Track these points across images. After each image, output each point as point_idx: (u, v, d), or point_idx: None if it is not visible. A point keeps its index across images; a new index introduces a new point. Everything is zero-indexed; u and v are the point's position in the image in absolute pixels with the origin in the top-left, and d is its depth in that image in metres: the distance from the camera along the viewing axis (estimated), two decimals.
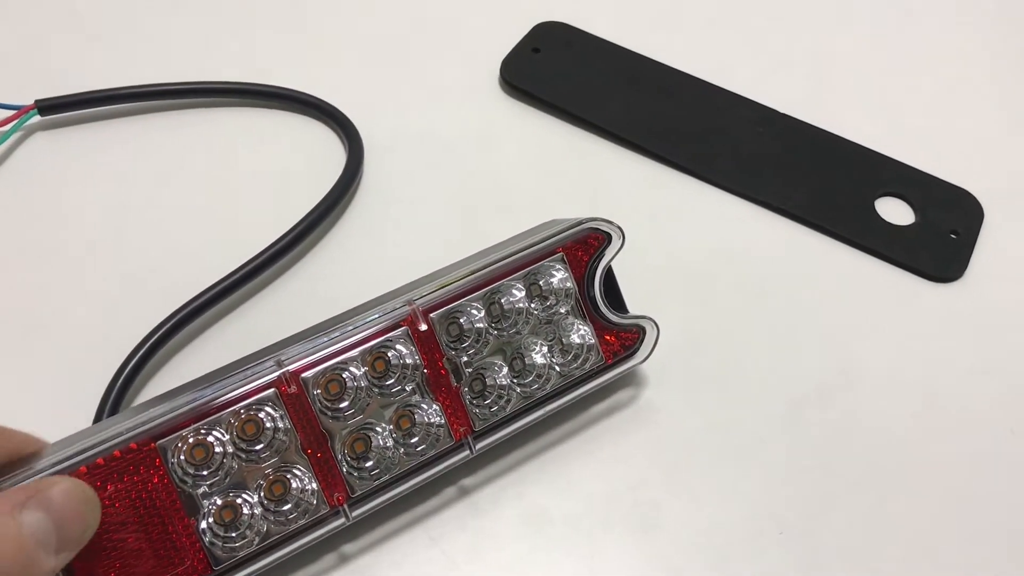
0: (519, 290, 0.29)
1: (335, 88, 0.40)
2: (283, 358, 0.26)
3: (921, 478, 0.32)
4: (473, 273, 0.29)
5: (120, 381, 0.30)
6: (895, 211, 0.39)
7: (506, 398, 0.29)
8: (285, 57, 0.42)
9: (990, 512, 0.31)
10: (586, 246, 0.30)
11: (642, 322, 0.31)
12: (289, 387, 0.26)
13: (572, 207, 0.36)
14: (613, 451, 0.31)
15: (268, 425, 0.26)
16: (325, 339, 0.27)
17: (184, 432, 0.25)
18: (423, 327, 0.28)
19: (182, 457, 0.25)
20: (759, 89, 0.43)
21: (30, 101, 0.37)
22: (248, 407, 0.26)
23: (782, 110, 0.42)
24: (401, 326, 0.27)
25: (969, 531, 0.30)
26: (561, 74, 0.43)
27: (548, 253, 0.30)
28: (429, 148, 0.39)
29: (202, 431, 0.25)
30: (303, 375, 0.26)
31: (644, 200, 0.39)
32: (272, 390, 0.26)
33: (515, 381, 0.29)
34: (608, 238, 0.31)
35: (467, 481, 0.30)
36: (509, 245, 0.30)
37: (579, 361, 0.30)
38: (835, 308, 0.36)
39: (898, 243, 0.38)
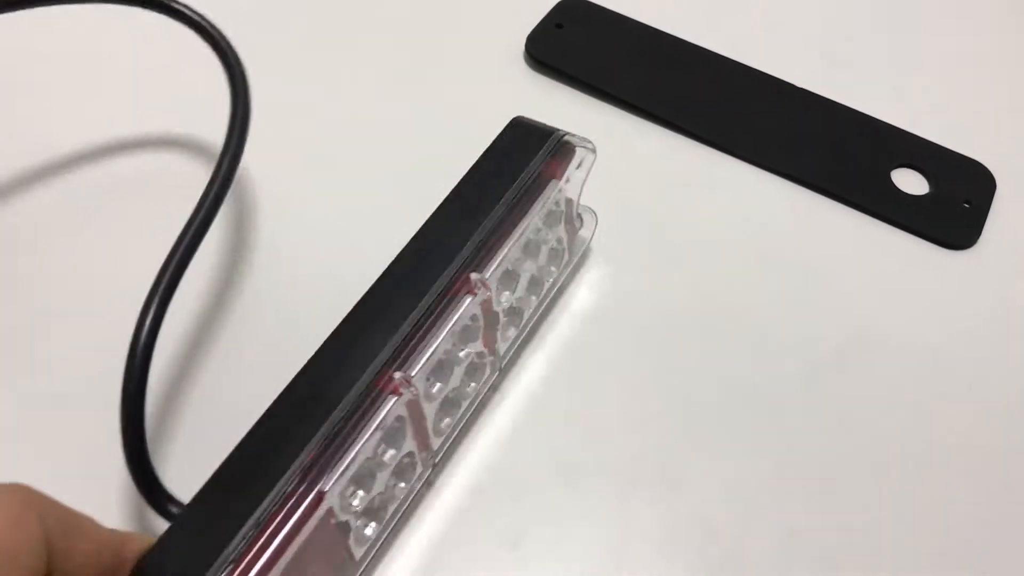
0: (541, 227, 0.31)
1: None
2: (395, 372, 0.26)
3: (931, 431, 0.33)
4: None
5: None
6: (910, 182, 0.40)
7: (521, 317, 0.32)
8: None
9: (998, 467, 0.32)
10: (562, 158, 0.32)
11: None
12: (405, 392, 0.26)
13: (591, 174, 0.37)
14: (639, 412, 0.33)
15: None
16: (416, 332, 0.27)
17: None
18: (486, 294, 0.29)
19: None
20: (777, 64, 0.43)
21: None
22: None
23: (800, 84, 0.43)
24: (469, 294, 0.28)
25: (976, 484, 0.32)
26: (583, 49, 0.43)
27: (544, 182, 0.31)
28: (463, 123, 0.39)
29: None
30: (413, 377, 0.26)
31: (663, 169, 0.40)
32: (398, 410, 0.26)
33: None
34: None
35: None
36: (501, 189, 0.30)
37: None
38: (852, 273, 0.37)
39: (913, 212, 0.39)
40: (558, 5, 0.45)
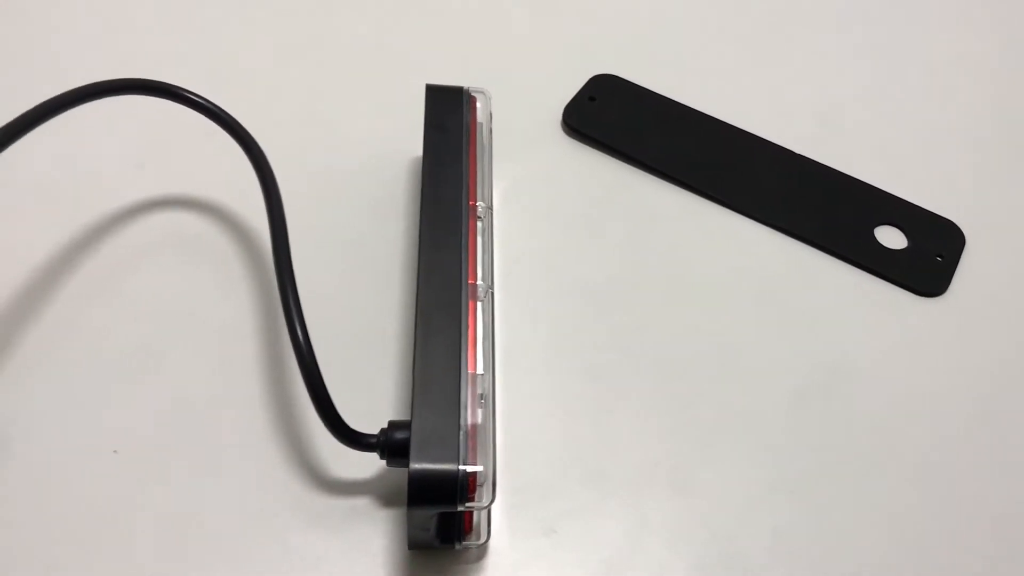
0: None
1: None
2: None
3: (900, 457, 0.38)
4: None
5: None
6: (890, 237, 0.46)
7: None
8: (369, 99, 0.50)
9: (962, 490, 0.38)
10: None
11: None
12: None
13: (612, 229, 0.44)
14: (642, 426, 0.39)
15: None
16: None
17: None
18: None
19: None
20: (778, 133, 0.49)
21: None
22: None
23: (798, 151, 0.49)
24: None
25: (937, 504, 0.37)
26: (612, 119, 0.49)
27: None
28: (510, 180, 0.46)
29: None
30: None
31: (677, 223, 0.46)
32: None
33: None
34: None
35: None
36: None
37: None
38: (837, 314, 0.43)
39: (892, 264, 0.45)
40: (591, 80, 0.51)
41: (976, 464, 0.39)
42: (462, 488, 0.31)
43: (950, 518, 0.37)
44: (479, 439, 0.32)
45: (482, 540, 0.34)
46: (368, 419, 0.34)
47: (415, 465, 0.31)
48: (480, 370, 0.34)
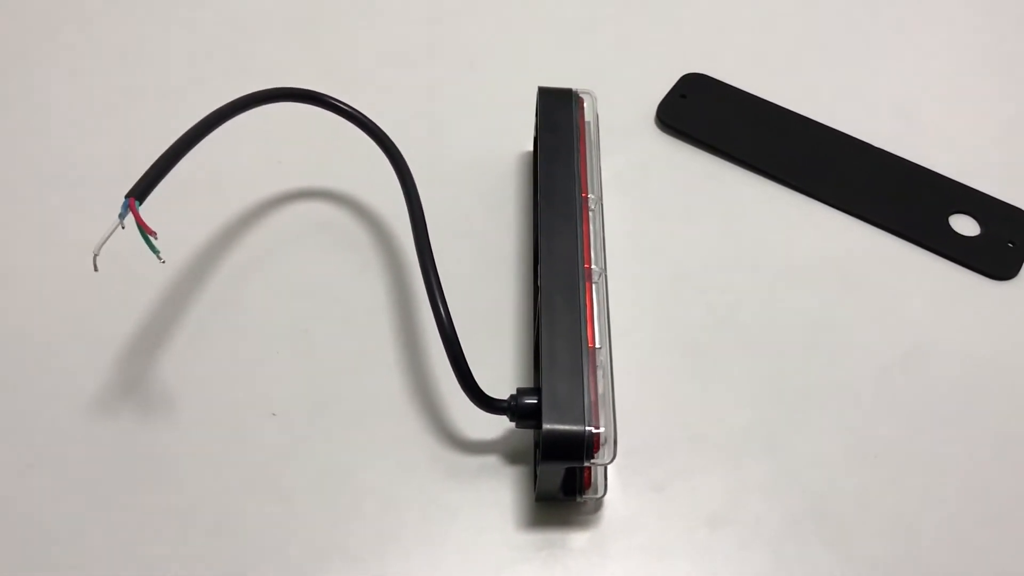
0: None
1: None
2: None
3: (976, 426, 0.42)
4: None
5: None
6: (965, 225, 0.49)
7: None
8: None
9: None
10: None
11: None
12: None
13: (705, 217, 0.49)
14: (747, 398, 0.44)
15: None
16: None
17: None
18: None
19: None
20: (858, 127, 0.53)
21: None
22: None
23: (877, 144, 0.52)
24: None
25: (1010, 468, 0.41)
26: (702, 115, 0.53)
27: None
28: (612, 171, 0.49)
29: None
30: None
31: (763, 211, 0.49)
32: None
33: None
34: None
35: None
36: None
37: None
38: (916, 296, 0.46)
39: (966, 249, 0.48)
40: (682, 79, 0.55)
41: None
42: (588, 446, 0.35)
43: (1020, 481, 0.41)
44: (601, 404, 0.36)
45: (600, 494, 0.39)
46: (488, 387, 0.38)
47: (547, 426, 0.35)
48: (598, 344, 0.38)
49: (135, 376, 0.42)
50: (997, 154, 0.53)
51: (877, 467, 0.41)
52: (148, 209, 0.35)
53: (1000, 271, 0.47)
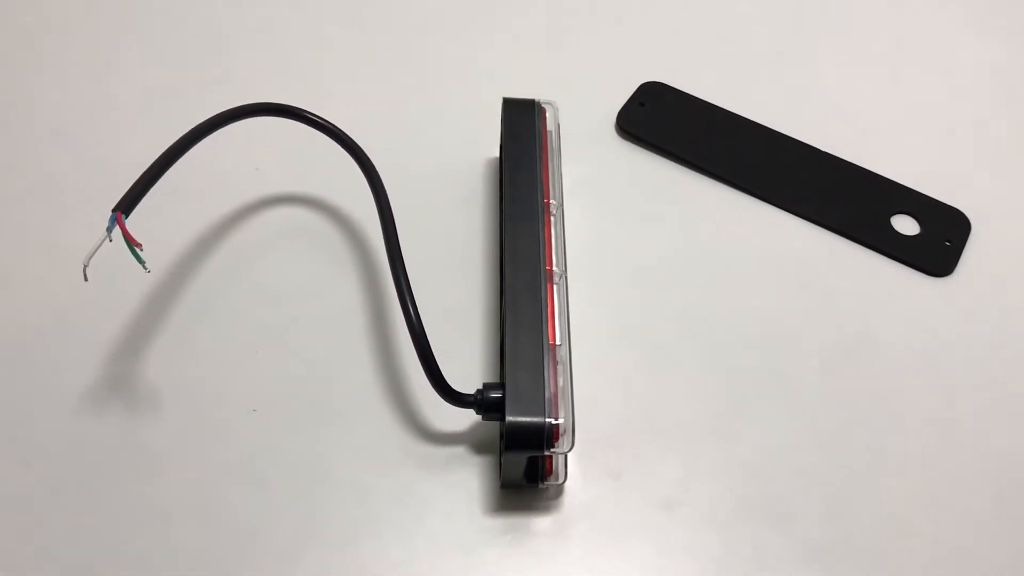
0: None
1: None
2: None
3: (914, 414, 0.45)
4: None
5: None
6: (905, 225, 0.52)
7: None
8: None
9: (969, 440, 0.44)
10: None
11: None
12: None
13: (662, 220, 0.51)
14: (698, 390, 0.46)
15: None
16: None
17: None
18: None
19: None
20: (809, 133, 0.55)
21: None
22: None
23: (825, 149, 0.55)
24: None
25: (947, 452, 0.44)
26: (660, 122, 0.55)
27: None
28: (572, 178, 0.52)
29: None
30: None
31: (719, 215, 0.52)
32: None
33: None
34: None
35: None
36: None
37: None
38: (859, 292, 0.49)
39: (906, 248, 0.50)
40: (641, 88, 0.57)
41: (981, 418, 0.45)
42: (548, 436, 0.38)
43: (958, 465, 0.43)
44: (560, 397, 0.39)
45: (560, 481, 0.41)
46: (455, 382, 0.41)
47: (511, 418, 0.38)
48: (558, 341, 0.41)
49: (122, 374, 0.44)
50: (937, 157, 0.56)
51: (822, 454, 0.44)
52: (134, 215, 0.38)
53: (938, 268, 0.50)
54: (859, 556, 0.41)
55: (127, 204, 0.37)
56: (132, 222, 0.37)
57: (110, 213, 0.36)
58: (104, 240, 0.35)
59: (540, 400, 0.38)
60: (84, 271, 0.35)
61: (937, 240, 0.51)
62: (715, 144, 0.55)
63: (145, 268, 0.36)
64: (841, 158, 0.55)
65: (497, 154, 0.54)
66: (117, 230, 0.36)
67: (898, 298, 0.49)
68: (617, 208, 0.53)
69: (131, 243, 0.36)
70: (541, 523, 0.41)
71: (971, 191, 0.54)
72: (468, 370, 0.45)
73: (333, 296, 0.48)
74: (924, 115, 0.58)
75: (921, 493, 0.43)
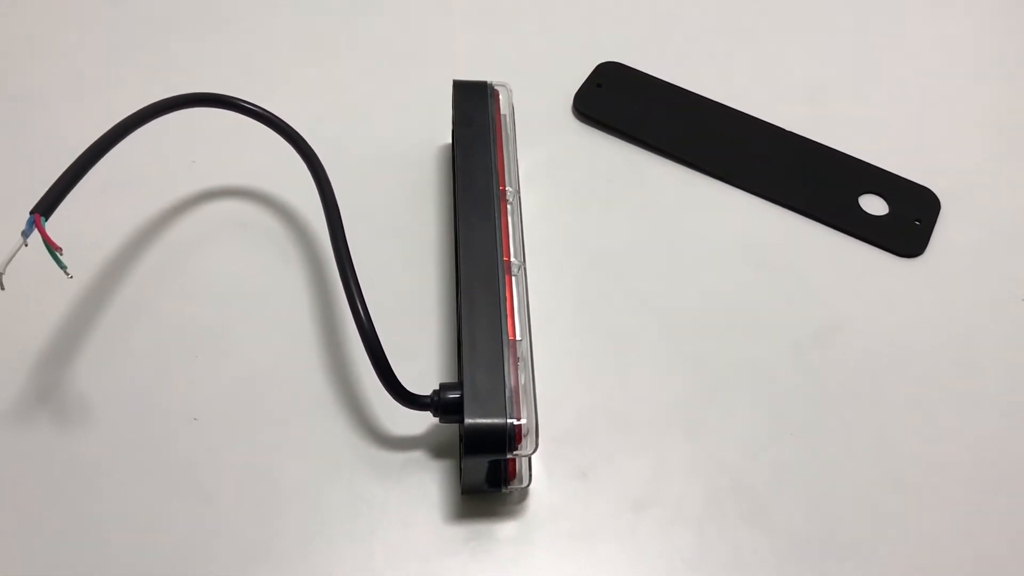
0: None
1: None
2: None
3: (885, 397, 0.43)
4: None
5: None
6: (873, 204, 0.51)
7: None
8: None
9: (939, 422, 0.43)
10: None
11: None
12: None
13: (623, 205, 0.49)
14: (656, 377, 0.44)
15: None
16: None
17: None
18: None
19: None
20: (770, 112, 0.54)
21: None
22: None
23: (788, 128, 0.53)
24: None
25: (917, 434, 0.43)
26: (618, 103, 0.53)
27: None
28: (530, 161, 0.50)
29: None
30: None
31: (680, 197, 0.50)
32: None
33: None
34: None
35: None
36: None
37: None
38: (828, 275, 0.47)
39: (875, 229, 0.49)
40: (598, 68, 0.55)
41: (950, 398, 0.44)
42: (510, 438, 0.36)
43: (935, 451, 0.42)
44: (522, 396, 0.37)
45: (524, 484, 0.39)
46: (412, 382, 0.39)
47: (470, 420, 0.36)
48: (519, 336, 0.39)
49: (50, 385, 0.41)
50: (904, 134, 0.55)
51: (794, 443, 0.42)
52: (56, 215, 0.35)
53: (908, 249, 0.49)
54: (840, 549, 0.39)
55: (47, 206, 0.34)
56: (54, 224, 0.34)
57: (28, 215, 0.33)
58: (20, 246, 0.32)
59: (500, 400, 0.36)
60: (0, 279, 0.32)
61: (906, 220, 0.50)
62: (676, 125, 0.53)
63: (67, 274, 0.33)
64: (806, 137, 0.54)
65: (449, 140, 0.51)
66: (36, 233, 0.33)
67: (868, 281, 0.48)
68: (575, 194, 0.51)
69: (51, 247, 0.33)
70: (505, 529, 0.39)
71: (938, 169, 0.53)
72: (423, 369, 0.43)
73: (276, 294, 0.45)
74: (889, 92, 0.57)
75: (898, 482, 0.41)
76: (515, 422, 0.36)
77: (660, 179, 0.51)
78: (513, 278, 0.40)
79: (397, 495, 0.39)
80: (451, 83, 0.48)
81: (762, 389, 0.44)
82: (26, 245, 0.33)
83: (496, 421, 0.36)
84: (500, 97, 0.47)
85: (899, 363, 0.45)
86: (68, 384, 0.41)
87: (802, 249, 0.49)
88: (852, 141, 0.54)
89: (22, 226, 0.34)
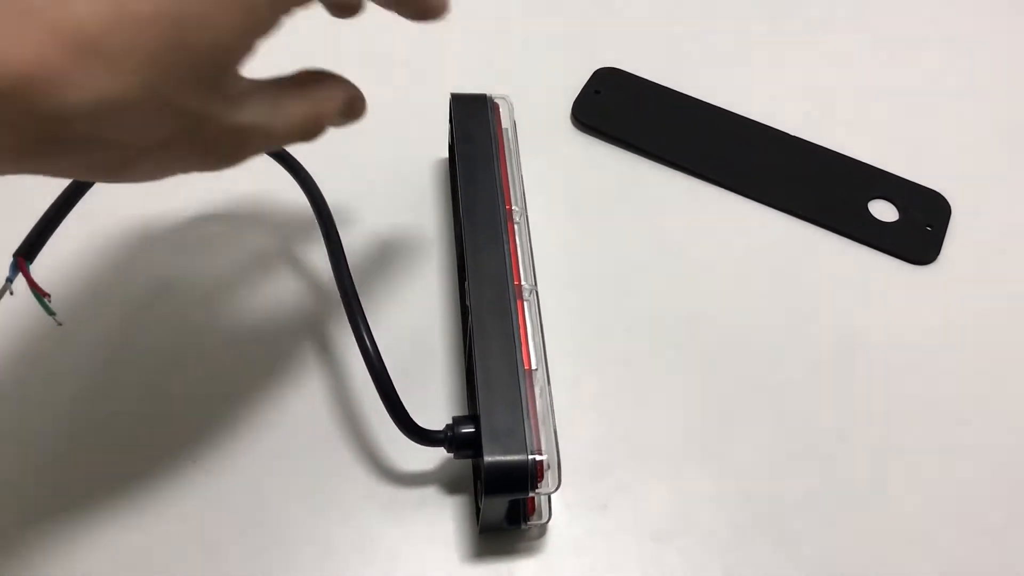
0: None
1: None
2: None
3: (911, 413, 0.42)
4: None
5: None
6: (883, 210, 0.50)
7: None
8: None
9: (953, 430, 0.42)
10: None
11: None
12: None
13: (627, 219, 0.47)
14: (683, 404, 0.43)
15: None
16: None
17: None
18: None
19: None
20: (775, 117, 0.52)
21: None
22: None
23: (794, 134, 0.52)
24: None
25: (955, 464, 0.41)
26: (617, 110, 0.52)
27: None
28: (529, 170, 0.48)
29: None
30: None
31: (684, 208, 0.49)
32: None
33: None
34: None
35: None
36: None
37: None
38: (840, 287, 0.46)
39: (886, 235, 0.48)
40: (595, 74, 0.54)
41: (982, 411, 0.43)
42: (532, 476, 0.34)
43: (963, 468, 0.41)
44: (542, 429, 0.35)
45: (544, 520, 0.37)
46: (418, 412, 0.37)
47: (489, 458, 0.34)
48: (534, 365, 0.37)
49: (42, 425, 0.39)
50: (912, 139, 0.53)
51: (819, 464, 0.41)
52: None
53: (920, 256, 0.48)
54: (871, 574, 0.38)
55: (29, 247, 0.31)
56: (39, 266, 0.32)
57: (11, 259, 0.31)
58: (5, 292, 0.30)
59: (520, 434, 0.34)
60: None
61: (917, 225, 0.49)
62: (678, 133, 0.52)
63: (57, 321, 0.31)
64: (812, 142, 0.52)
65: (446, 155, 0.49)
66: (20, 278, 0.30)
67: (883, 291, 0.47)
68: (577, 208, 0.49)
69: (37, 293, 0.30)
70: (526, 567, 0.38)
71: (949, 171, 0.52)
72: (431, 397, 0.41)
73: (278, 324, 0.43)
74: (896, 95, 0.56)
75: (927, 501, 0.40)
76: (537, 457, 0.34)
77: (663, 189, 0.50)
78: (525, 303, 0.38)
79: (411, 535, 0.38)
80: (446, 94, 0.46)
81: (782, 410, 0.42)
82: (11, 293, 0.30)
83: (517, 458, 0.34)
84: (500, 110, 0.45)
85: (923, 377, 0.44)
86: (57, 422, 0.39)
87: (813, 259, 0.48)
88: (859, 145, 0.52)
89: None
